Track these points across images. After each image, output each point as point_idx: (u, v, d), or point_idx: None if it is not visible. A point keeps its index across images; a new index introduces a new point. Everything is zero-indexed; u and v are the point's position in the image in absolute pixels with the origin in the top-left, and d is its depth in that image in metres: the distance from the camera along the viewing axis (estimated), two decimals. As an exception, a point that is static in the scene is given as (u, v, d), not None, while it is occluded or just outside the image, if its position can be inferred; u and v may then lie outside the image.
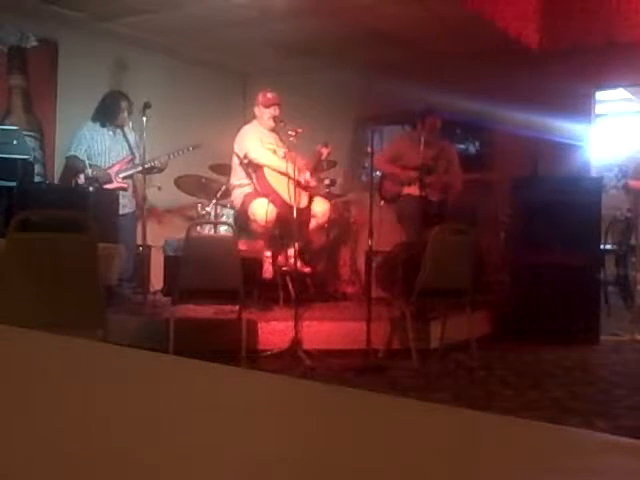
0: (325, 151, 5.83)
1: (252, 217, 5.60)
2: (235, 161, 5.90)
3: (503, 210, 6.33)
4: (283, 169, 5.51)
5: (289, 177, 5.34)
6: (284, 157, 5.67)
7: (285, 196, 5.41)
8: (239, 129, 5.93)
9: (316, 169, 6.10)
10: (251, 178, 5.79)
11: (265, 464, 0.56)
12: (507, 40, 5.80)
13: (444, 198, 6.26)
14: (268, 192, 5.60)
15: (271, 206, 5.54)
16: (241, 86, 8.05)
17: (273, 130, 5.86)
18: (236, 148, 5.83)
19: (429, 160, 6.16)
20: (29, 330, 1.14)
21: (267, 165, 5.67)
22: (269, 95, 5.86)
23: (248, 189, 5.80)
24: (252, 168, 5.77)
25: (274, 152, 5.75)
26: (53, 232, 3.35)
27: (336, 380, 4.11)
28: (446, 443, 0.64)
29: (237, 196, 5.90)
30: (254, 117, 5.95)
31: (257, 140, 5.76)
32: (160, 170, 6.17)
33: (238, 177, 5.89)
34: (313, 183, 5.92)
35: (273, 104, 5.80)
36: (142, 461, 0.57)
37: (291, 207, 5.09)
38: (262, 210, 5.53)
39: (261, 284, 5.59)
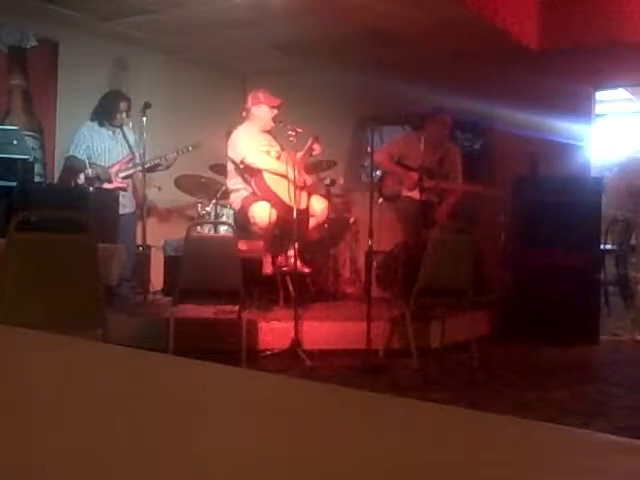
0: (317, 147, 5.67)
1: (252, 220, 5.54)
2: (230, 166, 5.82)
3: (503, 210, 6.33)
4: (280, 170, 5.48)
5: (287, 179, 5.31)
6: (278, 157, 5.64)
7: (285, 198, 5.37)
8: (228, 132, 5.83)
9: (311, 166, 6.04)
10: (248, 182, 5.71)
11: (265, 464, 0.56)
12: (507, 40, 5.81)
13: (443, 200, 6.25)
14: (268, 195, 5.53)
15: (272, 209, 5.50)
16: (241, 86, 8.05)
17: (267, 131, 5.80)
18: (230, 153, 5.71)
19: (432, 163, 6.15)
20: (29, 330, 1.14)
21: (265, 169, 5.59)
22: (266, 95, 5.78)
23: (245, 192, 5.74)
24: (249, 173, 5.69)
25: (268, 153, 5.69)
26: (53, 232, 3.35)
27: (336, 380, 4.11)
28: (446, 443, 0.64)
29: (235, 199, 5.83)
30: (246, 118, 5.86)
31: (251, 143, 5.64)
32: (166, 167, 6.17)
33: (234, 181, 5.81)
34: (309, 181, 5.86)
35: (277, 104, 5.75)
36: (142, 461, 0.57)
37: (291, 208, 5.07)
38: (263, 213, 5.47)
39: (261, 284, 5.59)
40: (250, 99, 5.84)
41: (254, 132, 5.73)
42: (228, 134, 5.79)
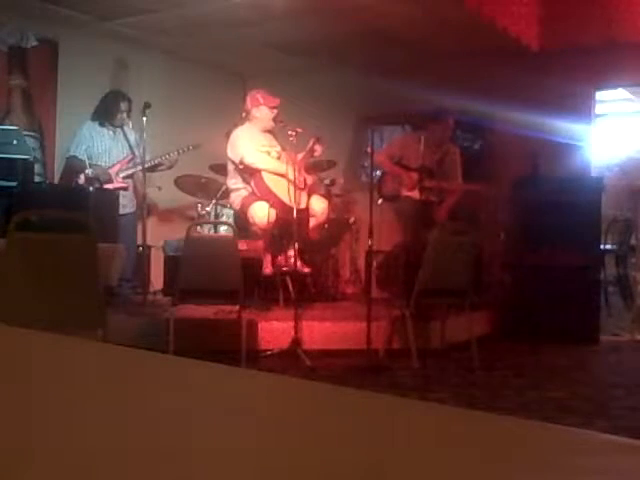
0: (318, 148, 5.66)
1: (252, 220, 5.54)
2: (230, 165, 5.83)
3: (503, 210, 6.33)
4: (280, 171, 5.48)
5: (287, 179, 5.31)
6: (278, 158, 5.64)
7: (284, 198, 5.37)
8: (228, 133, 5.83)
9: (311, 166, 6.05)
10: (248, 182, 5.71)
11: (265, 464, 0.56)
12: (507, 40, 5.80)
13: (443, 200, 6.25)
14: (267, 195, 5.53)
15: (271, 209, 5.51)
16: (241, 86, 8.04)
17: (268, 131, 5.80)
18: (229, 153, 5.72)
19: (432, 163, 6.15)
20: (29, 330, 1.14)
21: (264, 169, 5.59)
22: (264, 95, 5.78)
23: (245, 192, 5.75)
24: (249, 173, 5.69)
25: (268, 154, 5.69)
26: (53, 232, 3.35)
27: (336, 380, 4.11)
28: (446, 443, 0.64)
29: (235, 198, 5.84)
30: (246, 119, 5.86)
31: (250, 144, 5.65)
32: (169, 167, 6.17)
33: (234, 181, 5.83)
34: (310, 181, 5.86)
35: (276, 104, 5.75)
36: (142, 461, 0.57)
37: (291, 208, 5.07)
38: (262, 213, 5.47)
39: (261, 284, 5.58)
40: (249, 100, 5.83)
41: (254, 132, 5.73)
42: (227, 134, 5.79)
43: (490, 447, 0.63)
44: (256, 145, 5.66)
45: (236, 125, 5.85)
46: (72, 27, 6.35)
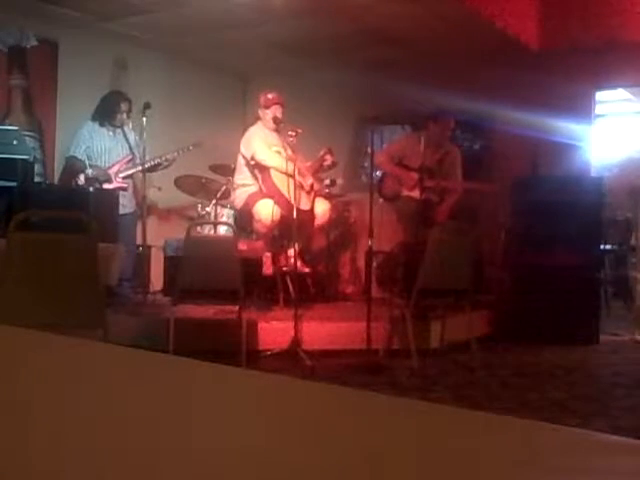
0: (329, 158, 5.84)
1: (256, 217, 5.61)
2: (240, 161, 5.92)
3: (503, 210, 6.33)
4: (288, 170, 5.53)
5: (295, 179, 5.35)
6: (289, 159, 5.69)
7: (291, 197, 5.43)
8: (245, 130, 5.95)
9: (318, 173, 6.12)
10: (257, 179, 5.81)
11: (265, 464, 0.56)
12: (507, 40, 5.81)
13: (443, 200, 6.25)
14: (273, 193, 5.62)
15: (276, 207, 5.57)
16: (241, 86, 8.05)
17: (277, 131, 5.86)
18: (242, 149, 5.85)
19: (433, 163, 6.16)
20: (29, 330, 1.14)
21: (274, 167, 5.68)
22: (270, 96, 5.87)
23: (252, 189, 5.82)
24: (258, 169, 5.79)
25: (279, 154, 5.75)
26: (53, 232, 3.35)
27: (336, 380, 4.11)
28: (446, 443, 0.64)
29: (240, 195, 5.91)
30: (258, 118, 5.95)
31: (263, 142, 5.78)
32: (167, 167, 6.18)
33: (243, 177, 5.91)
34: (316, 186, 5.95)
35: (274, 104, 5.81)
36: (142, 461, 0.57)
37: (295, 208, 5.11)
38: (267, 210, 5.54)
39: (261, 284, 5.59)
40: (260, 100, 5.96)
41: (267, 131, 5.84)
42: (244, 131, 5.90)
43: (490, 447, 0.63)
44: (268, 144, 5.77)
45: (249, 123, 5.97)
46: (72, 27, 6.34)
